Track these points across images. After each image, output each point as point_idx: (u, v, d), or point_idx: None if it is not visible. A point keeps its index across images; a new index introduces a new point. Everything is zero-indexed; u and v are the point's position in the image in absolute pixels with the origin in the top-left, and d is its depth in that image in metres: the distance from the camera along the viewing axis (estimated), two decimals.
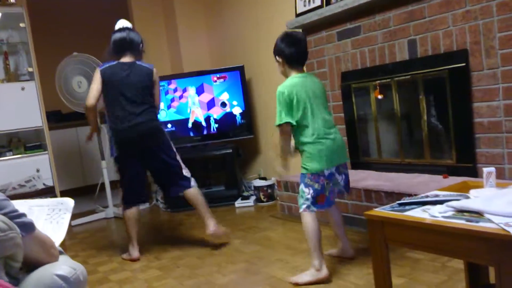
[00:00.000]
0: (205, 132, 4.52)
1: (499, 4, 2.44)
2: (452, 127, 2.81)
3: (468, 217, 1.29)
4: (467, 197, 1.44)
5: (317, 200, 2.32)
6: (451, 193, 1.53)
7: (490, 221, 1.23)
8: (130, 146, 2.99)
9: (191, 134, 4.55)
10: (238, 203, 4.21)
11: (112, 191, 4.48)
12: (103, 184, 4.54)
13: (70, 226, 1.60)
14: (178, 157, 3.14)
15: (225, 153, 4.33)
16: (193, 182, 3.12)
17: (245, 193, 4.38)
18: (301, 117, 2.31)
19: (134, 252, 3.04)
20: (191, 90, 4.52)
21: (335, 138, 2.35)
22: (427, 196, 1.53)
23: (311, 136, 2.31)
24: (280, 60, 2.40)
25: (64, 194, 3.93)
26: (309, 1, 3.52)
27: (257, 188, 4.17)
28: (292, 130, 2.35)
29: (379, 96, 3.26)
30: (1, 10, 4.08)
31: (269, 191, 4.13)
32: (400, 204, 1.51)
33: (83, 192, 5.29)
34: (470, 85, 2.64)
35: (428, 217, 1.35)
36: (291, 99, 2.28)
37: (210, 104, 4.50)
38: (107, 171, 4.49)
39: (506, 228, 1.16)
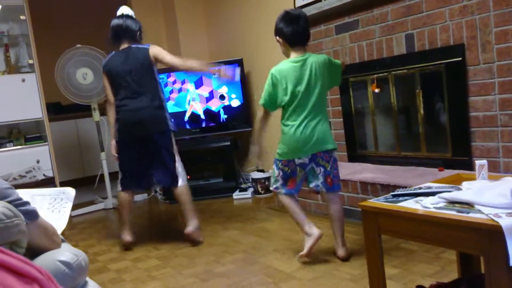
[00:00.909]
0: (203, 125, 4.55)
1: None
2: (448, 121, 2.84)
3: (459, 208, 1.33)
4: (459, 189, 1.47)
5: (287, 184, 2.40)
6: (444, 185, 1.56)
7: (480, 212, 1.27)
8: (128, 131, 2.99)
9: (189, 126, 4.58)
10: (236, 195, 4.25)
11: (111, 182, 4.51)
12: (102, 175, 4.57)
13: (69, 216, 1.63)
14: (176, 152, 3.08)
15: (223, 146, 4.37)
16: (181, 181, 3.05)
17: (243, 185, 4.42)
18: (287, 102, 2.34)
19: (126, 236, 3.07)
20: (190, 86, 4.54)
21: (314, 128, 2.33)
22: (420, 188, 1.57)
23: (290, 121, 2.34)
24: (280, 40, 2.38)
25: (63, 185, 3.97)
26: None
27: (255, 180, 4.21)
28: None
29: (376, 90, 3.29)
30: (1, 3, 4.10)
31: (266, 183, 4.16)
32: (394, 196, 1.54)
33: (83, 183, 5.33)
34: (466, 79, 2.67)
35: (421, 208, 1.39)
36: (278, 84, 2.33)
37: (209, 97, 4.53)
38: (107, 163, 4.52)
39: (495, 218, 1.19)
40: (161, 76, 4.46)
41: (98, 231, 3.72)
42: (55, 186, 3.86)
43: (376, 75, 3.25)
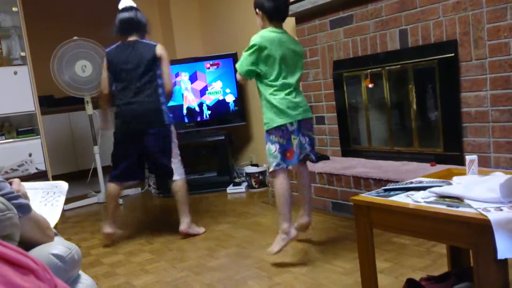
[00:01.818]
0: (198, 119, 4.55)
1: None
2: (441, 116, 2.86)
3: (449, 202, 1.34)
4: (450, 184, 1.49)
5: (286, 156, 2.35)
6: (434, 179, 1.58)
7: (470, 206, 1.29)
8: (126, 125, 2.99)
9: (185, 120, 4.57)
10: (230, 189, 4.26)
11: (104, 176, 4.50)
12: (95, 169, 4.57)
13: (62, 210, 1.63)
14: (175, 146, 3.06)
15: (218, 140, 4.37)
16: (176, 175, 3.03)
17: (237, 180, 4.43)
18: (267, 69, 2.35)
19: (106, 227, 3.08)
20: (185, 76, 4.54)
21: (295, 94, 2.38)
22: (411, 183, 1.58)
23: (273, 88, 2.35)
24: (260, 13, 2.43)
25: (56, 178, 3.94)
26: None
27: (249, 175, 4.22)
28: (258, 80, 2.41)
29: (370, 85, 3.31)
30: None
31: (260, 177, 4.18)
32: (385, 190, 1.56)
33: (76, 177, 5.31)
34: (458, 75, 2.69)
35: (411, 202, 1.40)
36: (260, 52, 2.33)
37: (203, 91, 4.52)
38: (100, 156, 4.51)
39: (484, 212, 1.21)
40: None
41: (91, 225, 3.72)
42: (47, 179, 3.85)
43: (369, 70, 3.26)
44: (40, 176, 3.78)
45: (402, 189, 1.53)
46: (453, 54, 2.69)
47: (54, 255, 1.24)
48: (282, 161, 2.35)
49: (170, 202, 4.14)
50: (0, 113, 4.11)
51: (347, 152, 3.54)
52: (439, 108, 2.85)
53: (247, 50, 2.35)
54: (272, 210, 3.46)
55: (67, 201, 1.58)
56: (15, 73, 4.14)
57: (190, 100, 4.55)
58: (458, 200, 1.35)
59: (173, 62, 4.65)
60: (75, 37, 4.28)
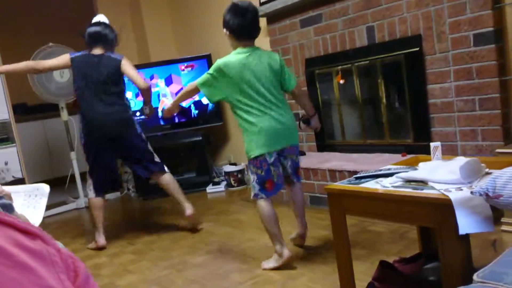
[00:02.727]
0: (175, 121, 4.59)
1: None
2: (409, 108, 2.98)
3: (414, 185, 1.44)
4: (415, 169, 1.59)
5: (264, 187, 2.25)
6: (402, 166, 1.68)
7: (433, 188, 1.38)
8: (99, 135, 3.03)
9: (161, 122, 4.60)
10: (210, 188, 4.31)
11: (82, 181, 4.50)
12: (72, 175, 4.55)
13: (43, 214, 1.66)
14: (149, 146, 3.19)
15: (195, 141, 4.42)
16: (165, 167, 3.18)
17: (216, 179, 4.48)
18: (236, 95, 2.23)
19: (100, 239, 3.08)
20: (161, 82, 4.57)
21: (279, 119, 2.24)
22: (380, 170, 1.68)
23: (251, 117, 2.22)
24: (227, 32, 2.28)
25: None
26: None
27: (228, 174, 4.28)
28: (233, 109, 2.29)
29: (341, 81, 3.41)
30: None
31: (239, 176, 4.24)
32: (357, 178, 1.65)
33: (53, 184, 5.18)
34: (424, 68, 2.82)
35: (380, 187, 1.49)
36: (223, 76, 2.22)
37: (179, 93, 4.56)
38: (77, 162, 4.50)
39: (446, 193, 1.31)
40: None
41: (72, 230, 3.72)
42: None
43: (340, 67, 3.36)
44: (17, 184, 3.75)
45: (372, 177, 1.62)
46: (418, 49, 2.81)
47: None
48: (261, 191, 2.26)
49: (150, 204, 4.18)
50: None
51: (322, 147, 3.64)
52: (407, 100, 2.97)
53: (211, 69, 2.28)
54: (252, 207, 3.53)
55: (46, 208, 1.62)
56: None
57: (166, 103, 4.58)
58: (422, 183, 1.44)
59: (148, 65, 4.68)
60: (50, 43, 4.26)
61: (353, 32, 3.17)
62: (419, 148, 2.94)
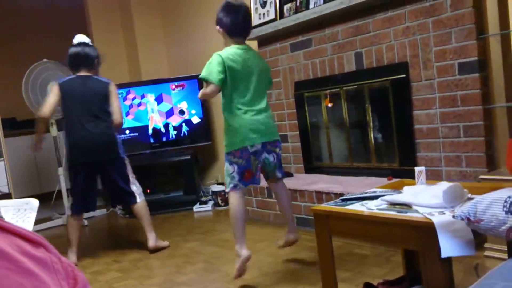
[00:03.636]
0: (164, 139, 4.61)
1: (435, 21, 2.70)
2: (395, 133, 3.04)
3: (399, 209, 1.47)
4: (400, 193, 1.63)
5: (243, 177, 2.32)
6: (387, 189, 1.72)
7: (417, 211, 1.42)
8: (82, 157, 3.08)
9: (151, 140, 4.62)
10: (197, 207, 4.31)
11: (69, 198, 4.47)
12: (60, 191, 4.52)
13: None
14: (129, 171, 3.23)
15: (184, 160, 4.44)
16: (138, 198, 3.20)
17: (203, 198, 4.49)
18: (229, 87, 2.29)
19: (73, 256, 3.10)
20: (151, 98, 4.60)
21: (261, 115, 2.33)
22: (366, 193, 1.71)
23: (236, 108, 2.30)
24: (221, 30, 2.38)
25: None
26: (263, 14, 3.70)
27: (215, 193, 4.29)
28: (223, 98, 2.35)
29: (329, 105, 3.47)
30: None
31: (226, 195, 4.25)
32: (343, 200, 1.68)
33: (40, 199, 5.18)
34: (410, 94, 2.89)
35: (365, 210, 1.53)
36: (224, 65, 2.26)
37: (169, 112, 4.59)
38: (64, 178, 4.48)
39: (429, 216, 1.34)
40: (120, 91, 4.50)
41: (57, 247, 3.62)
42: None
43: (328, 91, 3.43)
44: (4, 199, 3.72)
45: (357, 199, 1.66)
46: (404, 75, 2.89)
47: None
48: (240, 181, 2.32)
49: (136, 222, 4.14)
50: None
51: (309, 169, 3.68)
52: (394, 125, 3.03)
53: (211, 62, 2.30)
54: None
55: None
56: None
57: (156, 121, 4.61)
58: (407, 206, 1.48)
59: (139, 83, 4.72)
60: (45, 59, 4.28)
61: (342, 57, 3.25)
62: (404, 172, 3.00)
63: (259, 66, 2.40)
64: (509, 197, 1.16)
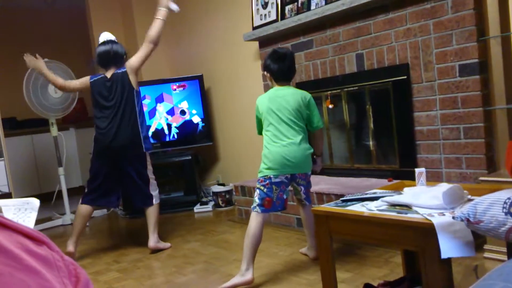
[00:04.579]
0: (164, 139, 4.61)
1: (436, 23, 2.70)
2: (396, 135, 3.04)
3: (399, 210, 1.48)
4: (400, 194, 1.63)
5: (263, 203, 2.42)
6: (387, 191, 1.72)
7: (417, 212, 1.42)
8: (106, 155, 3.12)
9: (152, 141, 4.62)
10: (197, 208, 4.31)
11: (69, 198, 4.48)
12: (60, 191, 4.53)
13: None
14: (150, 172, 3.25)
15: (185, 160, 4.44)
16: (155, 199, 3.23)
17: (204, 199, 4.49)
18: (264, 123, 2.50)
19: (70, 246, 3.11)
20: (160, 108, 4.60)
21: (291, 147, 2.42)
22: (366, 194, 1.72)
23: (268, 141, 2.47)
24: (268, 75, 2.57)
25: None
26: (265, 15, 3.71)
27: (216, 194, 4.29)
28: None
29: (330, 106, 3.48)
30: None
31: (227, 196, 4.26)
32: (343, 201, 1.69)
33: (40, 199, 5.21)
34: (411, 96, 2.89)
35: (366, 210, 1.53)
36: (257, 109, 2.54)
37: (170, 112, 4.60)
38: (64, 178, 4.48)
39: (429, 217, 1.35)
40: None
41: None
42: None
43: (330, 92, 3.44)
44: (4, 198, 3.73)
45: (358, 200, 1.66)
46: (405, 77, 2.89)
47: None
48: (259, 206, 2.42)
49: (137, 223, 4.16)
50: None
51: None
52: (394, 127, 3.04)
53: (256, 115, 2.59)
54: (239, 228, 3.54)
55: None
56: None
57: (156, 122, 4.61)
58: (407, 207, 1.49)
59: (139, 84, 4.72)
60: (46, 59, 4.29)
61: (343, 58, 3.25)
62: (405, 174, 2.99)
63: (294, 101, 2.49)
64: (508, 198, 1.17)
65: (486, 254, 2.26)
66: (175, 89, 4.60)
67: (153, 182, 3.25)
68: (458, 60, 2.63)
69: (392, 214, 1.44)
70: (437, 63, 2.73)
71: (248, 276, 2.32)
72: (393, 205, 1.51)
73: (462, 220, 1.23)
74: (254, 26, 3.82)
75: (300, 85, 3.61)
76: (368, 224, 1.49)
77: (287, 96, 2.50)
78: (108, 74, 3.16)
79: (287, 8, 3.52)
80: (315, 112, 2.59)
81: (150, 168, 3.24)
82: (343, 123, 3.43)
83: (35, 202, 1.73)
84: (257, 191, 2.45)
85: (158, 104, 4.59)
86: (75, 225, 3.18)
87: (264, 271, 2.55)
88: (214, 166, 4.85)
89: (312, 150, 2.55)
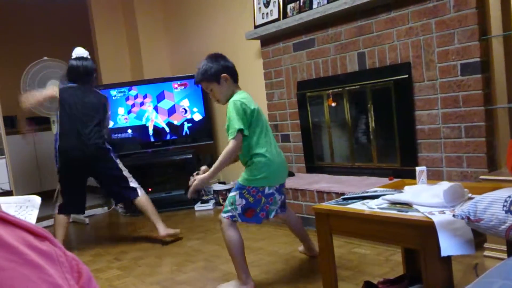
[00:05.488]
0: (165, 138, 4.61)
1: (438, 22, 2.70)
2: (397, 133, 3.04)
3: (399, 208, 1.48)
4: (401, 192, 1.63)
5: (245, 213, 2.26)
6: (388, 189, 1.72)
7: (417, 211, 1.43)
8: (73, 164, 3.18)
9: (152, 139, 4.63)
10: (198, 206, 4.32)
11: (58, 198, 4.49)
12: None
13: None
14: (124, 171, 3.32)
15: (186, 158, 4.44)
16: (140, 191, 3.31)
17: (205, 197, 4.49)
18: (258, 130, 2.26)
19: None
20: (149, 98, 4.61)
21: (282, 158, 2.35)
22: (367, 192, 1.72)
23: (264, 150, 2.25)
24: (228, 76, 2.32)
25: None
26: (267, 14, 3.71)
27: (216, 192, 4.29)
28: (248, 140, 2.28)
29: (332, 104, 3.48)
30: None
31: (228, 194, 4.25)
32: (344, 199, 1.69)
33: (40, 197, 5.22)
34: (412, 95, 2.89)
35: (366, 209, 1.53)
36: (248, 111, 2.23)
37: (171, 110, 4.60)
38: None
39: (429, 216, 1.35)
40: (123, 89, 4.52)
41: None
42: None
43: (331, 91, 3.44)
44: (5, 196, 3.74)
45: (358, 198, 1.66)
46: (407, 76, 2.89)
47: None
48: (239, 216, 2.26)
49: (137, 220, 4.17)
50: None
51: (311, 168, 3.68)
52: (396, 125, 3.04)
53: (235, 113, 2.23)
54: (239, 226, 3.54)
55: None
56: None
57: (157, 120, 4.61)
58: (407, 206, 1.49)
59: (141, 82, 4.73)
60: (45, 57, 4.30)
61: (344, 57, 3.25)
62: (406, 172, 2.99)
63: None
64: (509, 196, 1.17)
65: (486, 253, 2.26)
66: (176, 88, 4.60)
67: (131, 179, 3.33)
68: (460, 59, 2.62)
69: (393, 212, 1.44)
70: (439, 62, 2.73)
71: (251, 283, 2.25)
72: (394, 203, 1.52)
73: (462, 218, 1.24)
74: (256, 24, 3.82)
75: (301, 84, 3.62)
76: (368, 222, 1.49)
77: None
78: (80, 85, 3.24)
79: (289, 6, 3.52)
80: None
81: (124, 169, 3.34)
82: (344, 121, 3.43)
83: (37, 199, 1.73)
84: (241, 199, 2.23)
85: (159, 103, 4.59)
86: (56, 234, 3.22)
87: (264, 269, 2.55)
88: None
89: None
